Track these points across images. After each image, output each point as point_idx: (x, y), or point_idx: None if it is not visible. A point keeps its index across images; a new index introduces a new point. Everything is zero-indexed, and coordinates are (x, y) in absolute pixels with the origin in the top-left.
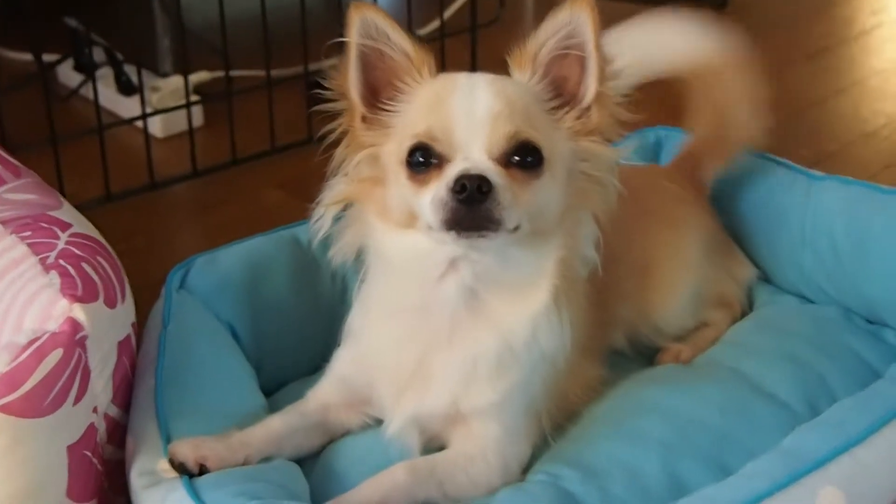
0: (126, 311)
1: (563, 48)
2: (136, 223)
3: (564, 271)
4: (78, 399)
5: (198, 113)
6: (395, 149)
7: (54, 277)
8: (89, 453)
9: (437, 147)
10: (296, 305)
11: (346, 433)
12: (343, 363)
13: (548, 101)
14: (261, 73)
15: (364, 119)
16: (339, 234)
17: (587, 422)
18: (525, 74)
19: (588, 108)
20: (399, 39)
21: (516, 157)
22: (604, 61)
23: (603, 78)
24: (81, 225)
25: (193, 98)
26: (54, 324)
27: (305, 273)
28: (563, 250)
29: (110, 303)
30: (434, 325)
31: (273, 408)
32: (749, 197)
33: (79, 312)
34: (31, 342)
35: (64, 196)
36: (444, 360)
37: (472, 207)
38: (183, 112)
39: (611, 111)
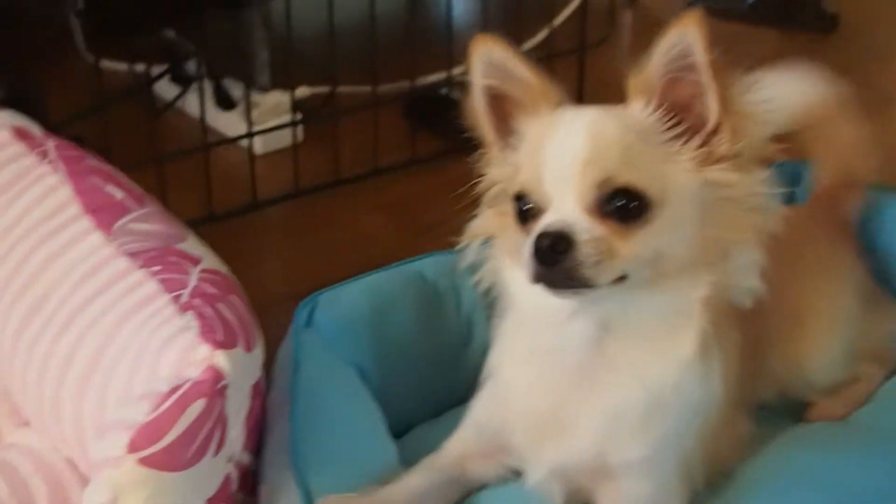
0: (259, 352)
1: (676, 70)
2: (236, 245)
3: (714, 311)
4: (218, 450)
5: (298, 130)
6: (513, 188)
7: (191, 319)
8: None
9: (533, 197)
10: (421, 345)
11: (483, 486)
12: (480, 408)
13: (666, 131)
14: (364, 88)
15: (501, 149)
16: (481, 266)
17: (742, 486)
18: (640, 103)
19: (714, 133)
20: (522, 73)
21: (614, 205)
22: (724, 79)
23: (726, 97)
24: (210, 259)
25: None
26: (195, 371)
27: (430, 310)
28: (708, 288)
29: (247, 347)
30: (569, 369)
31: (402, 454)
32: (885, 232)
33: (221, 359)
34: (172, 390)
35: None
36: (585, 408)
37: (551, 267)
38: (282, 129)
39: (743, 132)
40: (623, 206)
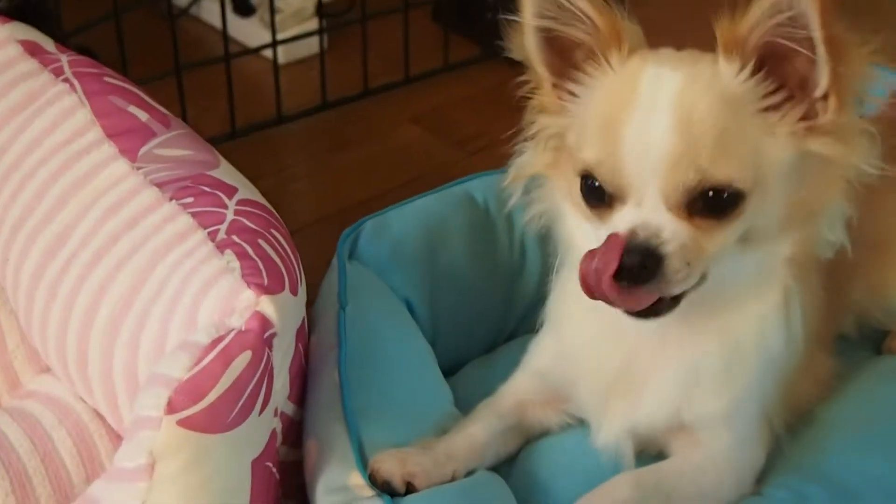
0: (304, 292)
1: (781, 37)
2: (260, 163)
3: (798, 268)
4: (264, 407)
5: (323, 37)
6: (573, 148)
7: (231, 259)
8: (270, 464)
9: (606, 184)
10: (473, 275)
11: (545, 433)
12: (541, 355)
13: (762, 98)
14: None
15: (555, 86)
16: (530, 205)
17: (825, 426)
18: (733, 64)
19: (819, 102)
20: (586, 9)
21: (706, 201)
22: (841, 51)
23: (839, 69)
24: (246, 188)
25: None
26: (239, 319)
27: (482, 237)
28: (793, 247)
29: (294, 289)
30: (640, 326)
31: (454, 394)
32: None
33: (267, 306)
34: (214, 342)
35: None
36: (658, 365)
37: (635, 287)
38: (307, 37)
39: (852, 104)
40: (715, 199)
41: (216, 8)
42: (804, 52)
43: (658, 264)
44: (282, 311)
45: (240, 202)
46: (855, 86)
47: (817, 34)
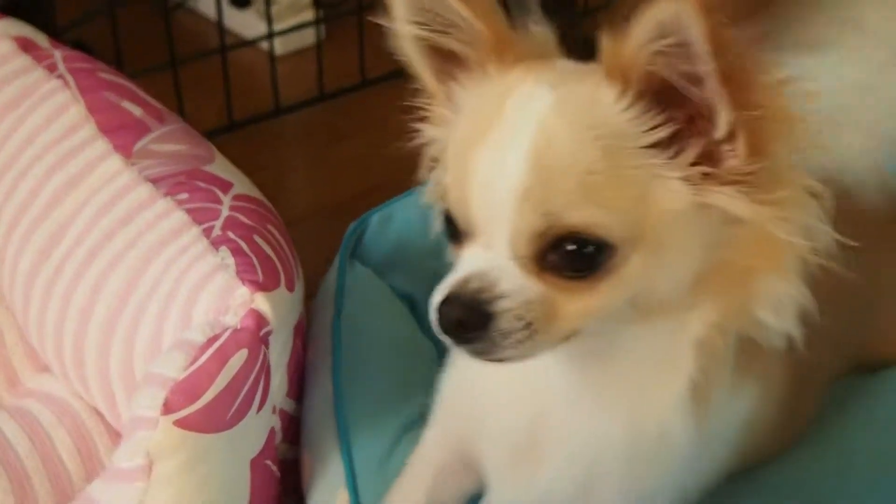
0: (301, 288)
1: (668, 56)
2: (258, 155)
3: (712, 356)
4: (261, 405)
5: (320, 28)
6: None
7: (226, 256)
8: (269, 462)
9: (457, 218)
10: None
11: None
12: (447, 397)
13: (649, 132)
14: None
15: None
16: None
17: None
18: (614, 90)
19: (722, 142)
20: (461, 12)
21: (563, 252)
22: (742, 74)
23: (743, 97)
24: (242, 183)
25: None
26: (234, 317)
27: None
28: (706, 328)
29: (290, 285)
30: (549, 387)
31: None
32: None
33: (262, 303)
34: (210, 341)
35: None
36: (562, 436)
37: (462, 344)
38: (304, 28)
39: (767, 144)
40: (575, 252)
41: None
42: (689, 86)
43: (484, 322)
44: (277, 308)
45: (235, 197)
46: (778, 127)
47: (707, 67)
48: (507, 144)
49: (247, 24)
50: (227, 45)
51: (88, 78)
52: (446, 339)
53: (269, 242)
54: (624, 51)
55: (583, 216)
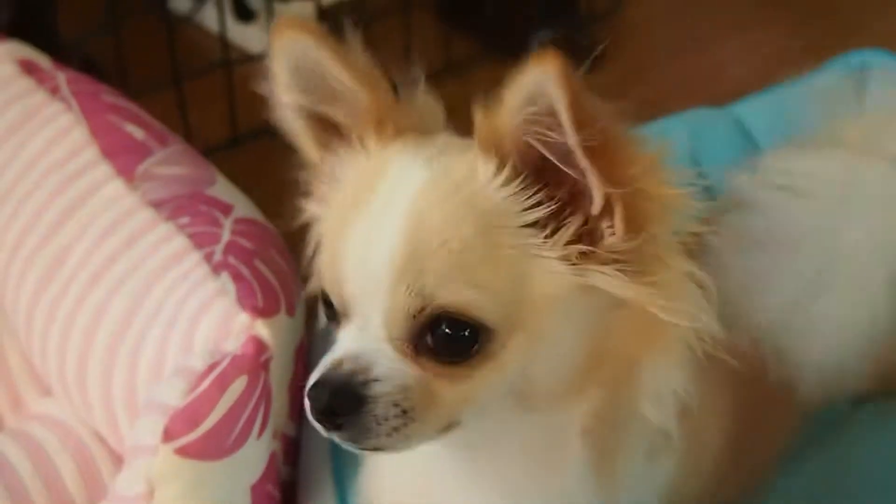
0: (302, 310)
1: (539, 127)
2: (263, 169)
3: (604, 440)
4: (262, 430)
5: None
6: None
7: (227, 282)
8: (271, 486)
9: (332, 297)
10: None
11: None
12: (363, 481)
13: (527, 210)
14: None
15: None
16: None
17: None
18: (490, 165)
19: (600, 218)
20: (345, 80)
21: (438, 334)
22: (612, 145)
23: (616, 170)
24: (243, 205)
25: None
26: (234, 343)
27: None
28: (591, 419)
29: (291, 309)
30: (443, 475)
31: None
32: None
33: (262, 329)
34: (210, 368)
35: (189, 142)
36: None
37: (331, 431)
38: None
39: (645, 219)
40: (450, 335)
41: (217, 14)
42: (563, 160)
43: (356, 407)
44: (278, 333)
45: (236, 221)
46: (653, 205)
47: (573, 138)
48: (381, 222)
49: (253, 37)
50: (231, 59)
51: (91, 100)
52: (318, 427)
53: (269, 266)
54: (495, 122)
55: (456, 296)
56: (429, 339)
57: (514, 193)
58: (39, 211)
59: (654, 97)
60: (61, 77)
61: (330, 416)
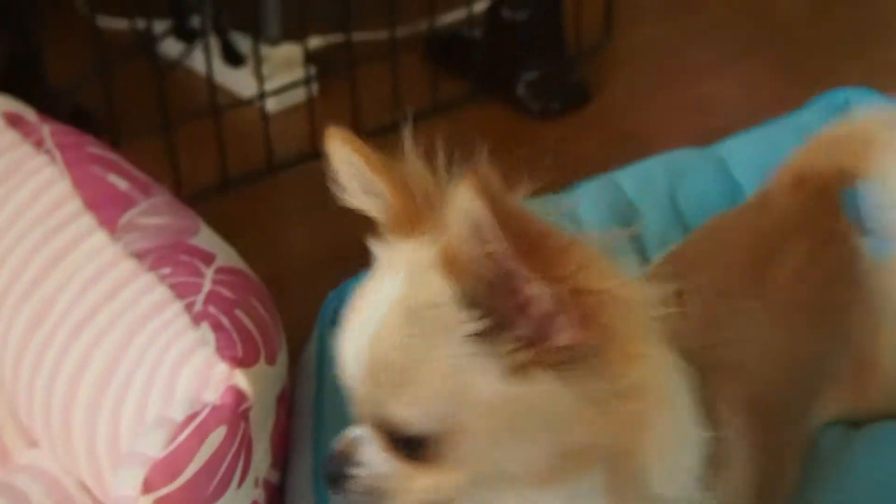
0: (284, 358)
1: (479, 244)
2: (254, 213)
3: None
4: (242, 480)
5: (312, 85)
6: None
7: (207, 332)
8: None
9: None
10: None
11: None
12: None
13: (474, 322)
14: (381, 34)
15: None
16: None
17: None
18: (445, 281)
19: (552, 318)
20: (376, 186)
21: (397, 436)
22: (535, 247)
23: (551, 273)
24: (225, 254)
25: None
26: (213, 393)
27: None
28: (611, 480)
29: (271, 358)
30: None
31: None
32: None
33: (241, 379)
34: (189, 418)
35: (180, 187)
36: None
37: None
38: (296, 87)
39: (600, 321)
40: (405, 439)
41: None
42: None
43: (343, 483)
44: (257, 383)
45: (218, 270)
46: (597, 300)
47: (499, 245)
48: (360, 330)
49: (242, 81)
50: (219, 105)
51: (75, 152)
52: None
53: (250, 315)
54: (444, 241)
55: (397, 412)
56: (393, 437)
57: (468, 307)
58: (24, 263)
59: (640, 131)
60: (46, 129)
61: (333, 483)
